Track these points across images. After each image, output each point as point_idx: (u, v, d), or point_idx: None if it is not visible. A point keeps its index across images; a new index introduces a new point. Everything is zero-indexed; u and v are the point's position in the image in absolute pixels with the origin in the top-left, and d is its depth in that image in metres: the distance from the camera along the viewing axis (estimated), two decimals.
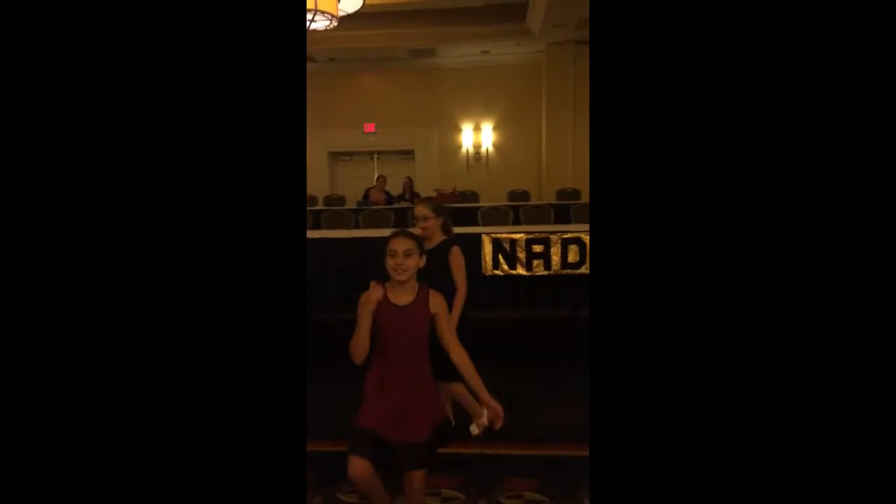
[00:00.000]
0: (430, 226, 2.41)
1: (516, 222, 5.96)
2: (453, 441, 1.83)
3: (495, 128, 8.44)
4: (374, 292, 1.66)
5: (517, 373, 3.37)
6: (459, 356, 1.70)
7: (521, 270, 3.93)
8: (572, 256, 3.89)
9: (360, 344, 1.64)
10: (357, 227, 5.93)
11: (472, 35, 7.43)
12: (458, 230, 2.62)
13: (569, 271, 3.88)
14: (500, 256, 3.92)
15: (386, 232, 1.89)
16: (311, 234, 4.04)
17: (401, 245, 1.65)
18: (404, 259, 1.63)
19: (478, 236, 3.84)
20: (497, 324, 3.68)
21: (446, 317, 1.73)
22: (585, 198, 7.08)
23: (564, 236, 3.93)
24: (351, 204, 7.41)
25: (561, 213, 6.37)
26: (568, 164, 7.67)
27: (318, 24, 3.95)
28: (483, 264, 3.80)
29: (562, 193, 7.24)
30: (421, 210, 2.43)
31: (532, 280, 3.91)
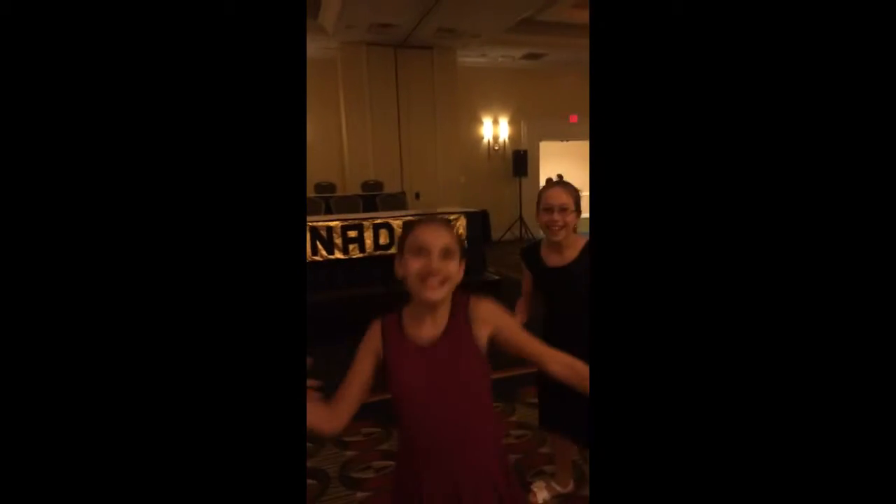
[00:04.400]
0: (571, 221, 1.58)
1: (328, 212, 6.23)
2: None
3: None
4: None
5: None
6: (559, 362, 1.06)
7: (338, 255, 4.26)
8: (383, 239, 4.35)
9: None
10: None
11: None
12: None
13: (381, 252, 4.33)
14: (318, 243, 4.20)
15: None
16: None
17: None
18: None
19: None
20: (323, 306, 3.96)
21: (512, 323, 1.07)
22: (388, 189, 7.63)
23: (375, 222, 4.37)
24: None
25: (368, 203, 6.82)
26: (369, 157, 8.10)
27: None
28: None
29: (366, 185, 7.68)
30: (562, 197, 1.58)
31: (349, 262, 4.27)
